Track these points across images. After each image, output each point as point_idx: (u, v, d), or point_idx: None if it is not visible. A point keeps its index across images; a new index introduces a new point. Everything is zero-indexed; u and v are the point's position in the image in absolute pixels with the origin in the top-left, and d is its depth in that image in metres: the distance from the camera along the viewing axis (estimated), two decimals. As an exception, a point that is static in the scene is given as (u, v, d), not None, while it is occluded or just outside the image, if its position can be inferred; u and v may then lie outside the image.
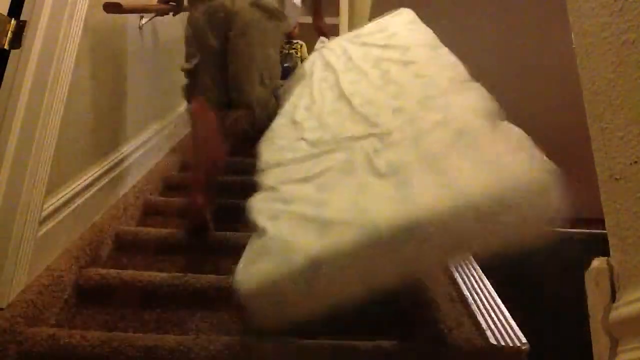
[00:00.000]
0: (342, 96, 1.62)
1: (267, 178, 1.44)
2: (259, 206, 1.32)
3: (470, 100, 1.34)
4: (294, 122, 1.67)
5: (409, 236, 1.01)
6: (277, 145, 1.58)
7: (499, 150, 1.09)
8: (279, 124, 1.72)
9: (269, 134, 1.67)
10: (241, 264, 1.19)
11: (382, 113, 1.43)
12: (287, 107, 1.78)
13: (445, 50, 1.61)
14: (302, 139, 1.54)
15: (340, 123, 1.51)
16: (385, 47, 1.78)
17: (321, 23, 2.31)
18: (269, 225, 1.23)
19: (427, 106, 1.36)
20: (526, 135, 1.12)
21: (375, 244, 1.03)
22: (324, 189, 1.28)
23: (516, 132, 1.14)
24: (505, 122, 1.20)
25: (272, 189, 1.38)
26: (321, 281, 1.06)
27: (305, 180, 1.35)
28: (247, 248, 1.25)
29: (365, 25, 2.08)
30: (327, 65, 1.89)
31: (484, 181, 1.02)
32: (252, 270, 1.15)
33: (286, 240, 1.16)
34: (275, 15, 1.86)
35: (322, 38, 2.22)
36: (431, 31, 1.76)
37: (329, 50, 2.01)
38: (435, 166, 1.12)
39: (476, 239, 1.03)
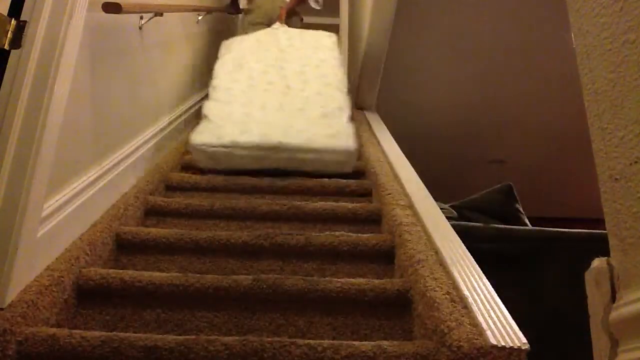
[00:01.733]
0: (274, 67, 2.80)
1: (218, 93, 2.58)
2: (211, 107, 2.47)
3: (336, 95, 2.59)
4: (240, 66, 2.80)
5: (284, 148, 2.21)
6: (226, 83, 2.65)
7: (342, 129, 2.38)
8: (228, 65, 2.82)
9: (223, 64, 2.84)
10: (195, 131, 2.32)
11: (293, 86, 2.63)
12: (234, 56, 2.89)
13: (342, 69, 2.90)
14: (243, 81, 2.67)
15: (266, 79, 2.67)
16: (314, 50, 2.97)
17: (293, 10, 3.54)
18: (215, 119, 2.38)
19: (321, 94, 2.59)
20: (352, 126, 2.45)
21: (267, 146, 2.21)
22: (249, 111, 2.44)
23: (349, 125, 2.44)
24: (345, 117, 2.47)
25: (221, 102, 2.50)
26: (234, 153, 2.23)
27: (244, 104, 2.49)
28: (200, 125, 2.38)
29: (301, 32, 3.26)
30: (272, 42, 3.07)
31: (328, 139, 2.27)
32: (200, 136, 2.28)
33: (222, 127, 2.31)
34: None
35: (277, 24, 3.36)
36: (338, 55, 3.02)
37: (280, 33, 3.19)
38: (309, 123, 2.37)
39: (313, 162, 2.24)
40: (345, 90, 2.68)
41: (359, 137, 2.81)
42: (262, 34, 3.17)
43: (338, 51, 3.04)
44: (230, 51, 2.94)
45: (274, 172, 2.27)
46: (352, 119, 2.59)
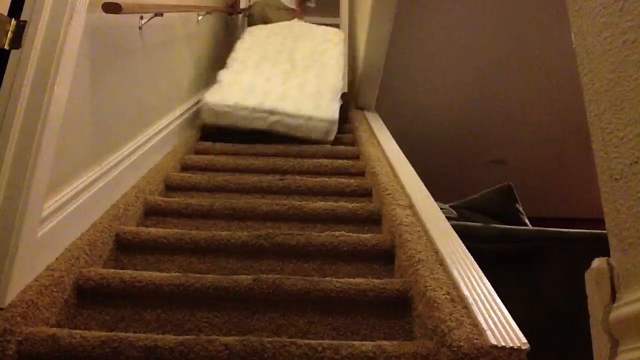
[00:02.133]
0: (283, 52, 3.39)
1: (234, 64, 3.17)
2: (225, 74, 3.02)
3: (331, 79, 3.07)
4: (258, 45, 3.45)
5: (276, 112, 2.71)
6: (243, 57, 3.28)
7: (328, 104, 2.83)
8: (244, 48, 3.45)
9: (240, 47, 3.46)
10: (208, 93, 2.83)
11: (298, 67, 3.20)
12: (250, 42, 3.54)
13: (343, 59, 3.37)
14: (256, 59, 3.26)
15: (276, 60, 3.25)
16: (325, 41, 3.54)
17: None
18: (225, 84, 2.91)
19: (319, 76, 3.10)
20: (339, 103, 2.90)
21: (262, 109, 2.70)
22: (255, 80, 2.96)
23: (336, 102, 2.88)
24: (333, 97, 2.93)
25: (235, 72, 3.08)
26: (235, 113, 2.70)
27: (253, 74, 3.03)
28: (212, 88, 2.89)
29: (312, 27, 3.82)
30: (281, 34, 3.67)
31: (315, 109, 2.75)
32: (211, 97, 2.78)
33: (230, 92, 2.81)
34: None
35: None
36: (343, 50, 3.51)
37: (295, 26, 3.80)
38: (302, 96, 2.84)
39: (300, 127, 2.70)
40: (341, 76, 3.15)
41: (359, 137, 2.82)
42: (281, 25, 3.75)
43: (343, 45, 3.49)
44: (252, 34, 3.62)
45: (275, 170, 2.37)
46: (348, 97, 3.22)
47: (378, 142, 2.65)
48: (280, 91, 2.87)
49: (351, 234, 1.68)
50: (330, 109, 2.80)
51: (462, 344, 1.00)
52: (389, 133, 2.85)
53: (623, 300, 0.62)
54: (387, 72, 3.37)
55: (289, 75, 3.07)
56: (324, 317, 1.35)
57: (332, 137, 2.74)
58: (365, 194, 2.18)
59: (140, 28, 2.04)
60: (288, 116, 2.71)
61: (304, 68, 3.16)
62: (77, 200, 1.47)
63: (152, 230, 1.69)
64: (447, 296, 1.17)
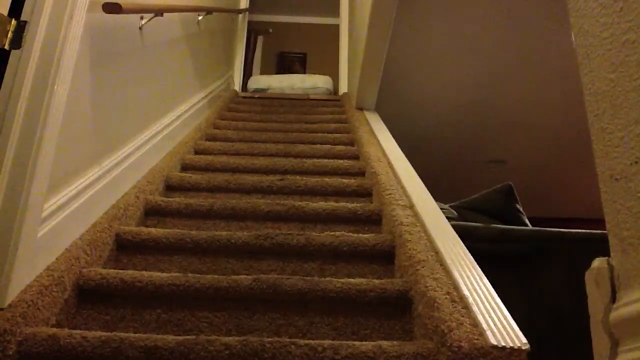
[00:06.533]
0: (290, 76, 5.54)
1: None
2: (259, 77, 5.51)
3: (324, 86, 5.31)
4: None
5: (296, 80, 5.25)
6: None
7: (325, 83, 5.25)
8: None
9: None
10: (253, 77, 5.51)
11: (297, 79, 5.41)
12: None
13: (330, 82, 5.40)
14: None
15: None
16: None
17: None
18: (259, 76, 5.60)
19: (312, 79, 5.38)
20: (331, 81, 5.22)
21: (286, 78, 5.31)
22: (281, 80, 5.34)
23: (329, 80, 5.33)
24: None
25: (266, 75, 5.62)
26: (267, 82, 5.23)
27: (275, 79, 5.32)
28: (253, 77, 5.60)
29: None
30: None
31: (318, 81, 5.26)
32: (255, 77, 5.44)
33: (262, 77, 5.49)
34: None
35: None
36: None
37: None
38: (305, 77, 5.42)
39: (309, 88, 5.14)
40: (331, 88, 5.13)
41: (359, 137, 2.82)
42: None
43: (330, 81, 5.27)
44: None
45: (275, 170, 2.36)
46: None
47: (378, 142, 2.66)
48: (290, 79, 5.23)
49: (351, 234, 1.68)
50: (327, 83, 5.12)
51: (462, 344, 1.00)
52: (389, 133, 2.85)
53: (623, 301, 0.62)
54: (388, 73, 3.37)
55: (291, 79, 5.24)
56: (324, 317, 1.35)
57: (332, 88, 4.99)
58: (366, 194, 2.18)
59: (140, 28, 2.04)
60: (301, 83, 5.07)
61: (301, 78, 5.29)
62: (77, 200, 1.47)
63: (152, 230, 1.69)
64: (447, 296, 1.17)
